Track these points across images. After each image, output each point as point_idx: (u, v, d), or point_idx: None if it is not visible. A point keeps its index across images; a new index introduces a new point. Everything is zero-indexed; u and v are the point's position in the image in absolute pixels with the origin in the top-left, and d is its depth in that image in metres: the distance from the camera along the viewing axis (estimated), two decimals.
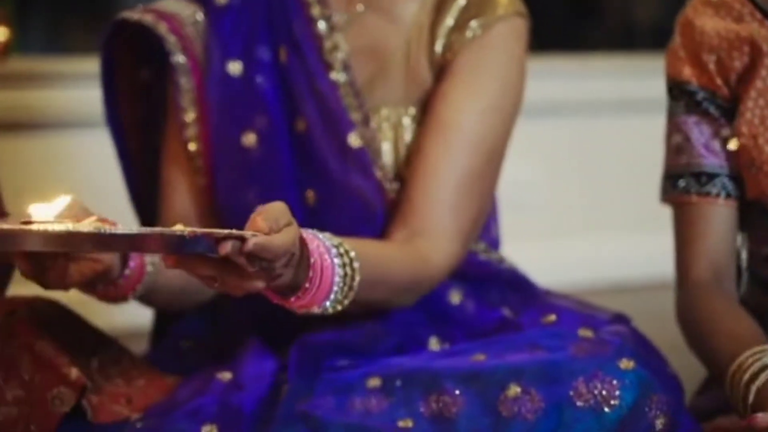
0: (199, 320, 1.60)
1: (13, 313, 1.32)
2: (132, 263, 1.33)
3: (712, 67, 1.43)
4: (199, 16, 1.57)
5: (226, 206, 1.52)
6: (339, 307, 1.29)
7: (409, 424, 1.29)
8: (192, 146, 1.55)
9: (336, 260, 1.27)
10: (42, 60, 2.89)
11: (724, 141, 1.43)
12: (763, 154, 1.39)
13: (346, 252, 1.29)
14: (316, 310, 1.27)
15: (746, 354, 1.27)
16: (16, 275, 1.52)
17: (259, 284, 1.16)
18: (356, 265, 1.29)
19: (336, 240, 1.29)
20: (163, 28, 1.54)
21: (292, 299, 1.24)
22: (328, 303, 1.27)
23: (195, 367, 1.48)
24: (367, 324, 1.47)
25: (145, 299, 1.42)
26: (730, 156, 1.43)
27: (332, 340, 1.44)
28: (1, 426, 1.27)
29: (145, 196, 1.65)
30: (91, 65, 2.74)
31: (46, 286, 1.25)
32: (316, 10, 1.54)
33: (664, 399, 1.26)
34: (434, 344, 1.47)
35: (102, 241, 1.08)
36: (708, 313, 1.39)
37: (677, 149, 1.46)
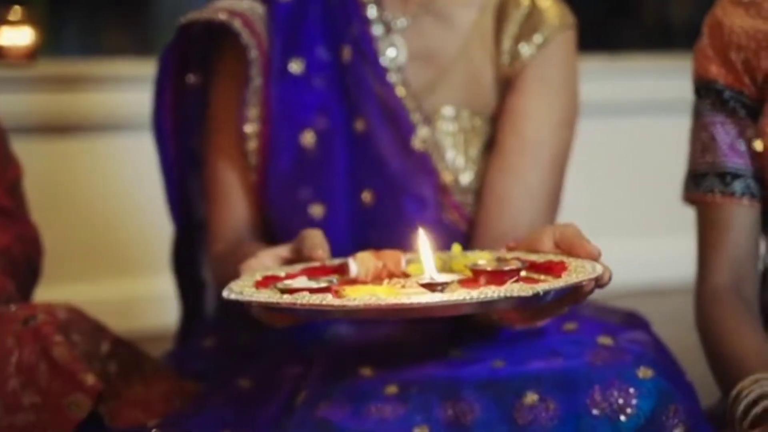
0: (223, 318, 1.61)
1: (31, 319, 1.33)
2: None
3: (739, 66, 1.42)
4: (262, 12, 1.57)
5: (275, 204, 1.53)
6: None
7: (425, 430, 1.28)
8: (250, 142, 1.55)
9: None
10: (74, 62, 2.90)
11: (750, 141, 1.42)
12: None
13: None
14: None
15: (744, 382, 1.26)
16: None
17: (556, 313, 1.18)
18: None
19: None
20: (237, 24, 1.54)
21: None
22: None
23: (216, 368, 1.49)
24: (388, 331, 1.47)
25: None
26: (755, 157, 1.42)
27: (354, 346, 1.44)
28: None
29: (182, 202, 1.66)
30: (125, 68, 2.78)
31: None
32: (372, 12, 1.55)
33: (683, 408, 1.24)
34: (454, 352, 1.46)
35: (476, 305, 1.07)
36: (718, 327, 1.38)
37: (702, 148, 1.45)
